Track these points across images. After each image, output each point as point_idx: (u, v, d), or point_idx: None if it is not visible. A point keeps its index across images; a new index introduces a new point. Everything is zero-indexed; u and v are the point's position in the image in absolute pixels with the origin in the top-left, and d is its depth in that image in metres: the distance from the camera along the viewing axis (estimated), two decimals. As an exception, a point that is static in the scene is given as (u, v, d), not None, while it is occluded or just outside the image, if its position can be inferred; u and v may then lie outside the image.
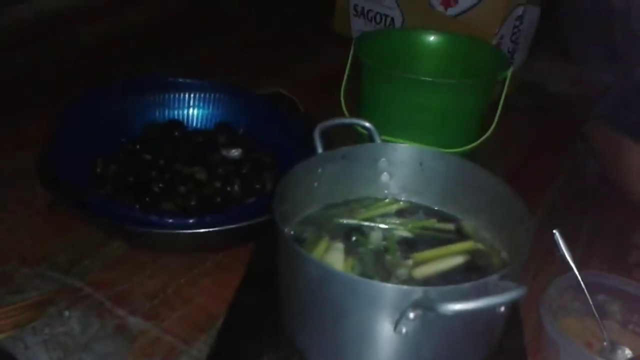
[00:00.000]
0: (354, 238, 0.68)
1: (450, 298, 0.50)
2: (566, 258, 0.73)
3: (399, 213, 0.73)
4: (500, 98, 0.96)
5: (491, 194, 0.68)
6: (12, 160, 1.01)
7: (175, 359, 0.69)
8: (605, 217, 0.98)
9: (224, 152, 0.94)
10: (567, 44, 1.42)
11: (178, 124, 1.00)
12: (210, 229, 0.78)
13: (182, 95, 1.00)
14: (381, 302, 0.53)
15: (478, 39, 1.04)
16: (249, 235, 0.83)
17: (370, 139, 0.74)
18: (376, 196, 0.75)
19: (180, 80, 1.01)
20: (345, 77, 0.98)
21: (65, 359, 0.69)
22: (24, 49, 1.40)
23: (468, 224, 0.72)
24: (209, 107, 1.01)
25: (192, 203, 0.87)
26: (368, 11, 1.39)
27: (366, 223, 0.71)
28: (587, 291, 0.71)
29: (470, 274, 0.65)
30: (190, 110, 1.01)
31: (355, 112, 0.99)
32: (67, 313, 0.74)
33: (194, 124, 1.01)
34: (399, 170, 0.73)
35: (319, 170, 0.70)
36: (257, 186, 0.91)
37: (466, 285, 0.52)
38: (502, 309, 0.55)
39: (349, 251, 0.66)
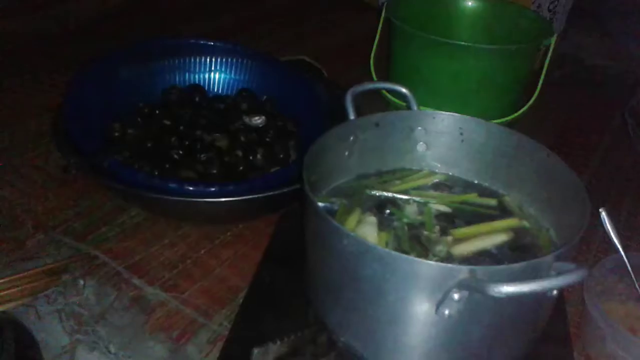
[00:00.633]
0: (387, 211, 0.63)
1: (500, 279, 0.44)
2: (612, 239, 0.68)
3: (436, 186, 0.68)
4: (540, 68, 0.89)
5: (539, 166, 0.62)
6: (26, 125, 0.97)
7: (194, 333, 0.65)
8: None
9: (247, 120, 0.89)
10: (606, 16, 1.34)
11: (199, 89, 0.96)
12: (233, 199, 0.73)
13: (203, 58, 0.95)
14: (422, 281, 0.48)
15: (518, 4, 0.97)
16: (273, 206, 0.78)
17: (407, 107, 0.68)
18: (411, 167, 0.70)
19: (202, 42, 0.95)
20: (376, 41, 0.92)
21: (79, 330, 0.65)
22: (46, 11, 1.35)
23: (512, 200, 0.66)
24: (231, 72, 0.96)
25: (214, 171, 0.82)
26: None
27: (401, 196, 0.65)
28: (633, 274, 0.66)
29: (515, 253, 0.59)
30: (212, 75, 0.96)
31: (387, 79, 0.92)
32: (82, 282, 0.70)
33: (216, 90, 0.97)
34: (436, 140, 0.68)
35: (351, 138, 0.64)
36: (281, 155, 0.86)
37: (518, 265, 0.47)
38: (555, 292, 0.49)
39: (382, 225, 0.61)
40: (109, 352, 0.62)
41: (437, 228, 0.61)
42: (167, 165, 0.82)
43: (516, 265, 0.47)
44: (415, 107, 0.67)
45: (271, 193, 0.73)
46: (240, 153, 0.84)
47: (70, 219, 0.79)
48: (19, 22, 1.30)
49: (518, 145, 0.64)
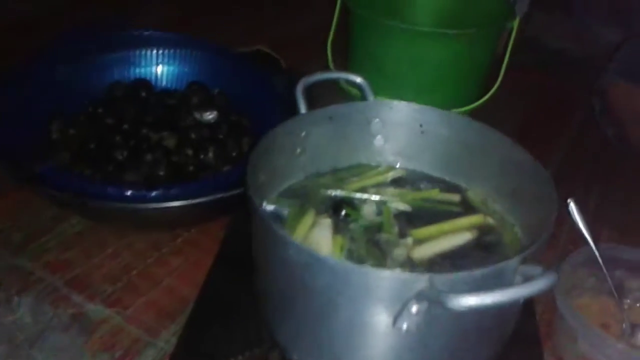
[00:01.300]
0: (343, 212, 0.58)
1: (461, 288, 0.40)
2: (582, 231, 0.64)
3: (396, 182, 0.63)
4: (503, 54, 0.85)
5: (502, 158, 0.58)
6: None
7: (139, 352, 0.60)
8: (614, 183, 0.90)
9: (197, 115, 0.83)
10: (570, -1, 1.31)
11: (145, 84, 0.88)
12: (180, 203, 0.67)
13: (149, 51, 0.88)
14: (378, 293, 0.43)
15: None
16: (225, 208, 0.73)
17: (362, 97, 0.63)
18: (369, 163, 0.65)
19: (147, 33, 0.88)
20: (333, 27, 0.86)
21: (12, 355, 0.58)
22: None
23: (475, 194, 0.61)
24: (180, 65, 0.88)
25: (160, 173, 0.75)
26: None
27: (358, 194, 0.60)
28: (605, 267, 0.63)
29: (480, 253, 0.55)
30: (159, 68, 0.89)
31: (344, 70, 0.87)
32: (16, 299, 0.64)
33: (164, 84, 0.89)
34: (395, 132, 0.63)
35: (302, 133, 0.59)
36: (234, 153, 0.80)
37: (480, 272, 0.42)
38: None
39: (338, 227, 0.56)
40: (45, 378, 0.56)
41: (396, 229, 0.57)
42: (111, 168, 0.76)
43: (478, 272, 0.42)
44: (371, 98, 0.62)
45: (220, 195, 0.67)
46: (189, 152, 0.78)
47: (6, 229, 0.73)
48: None
49: (481, 136, 0.59)
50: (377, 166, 0.65)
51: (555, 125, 1.04)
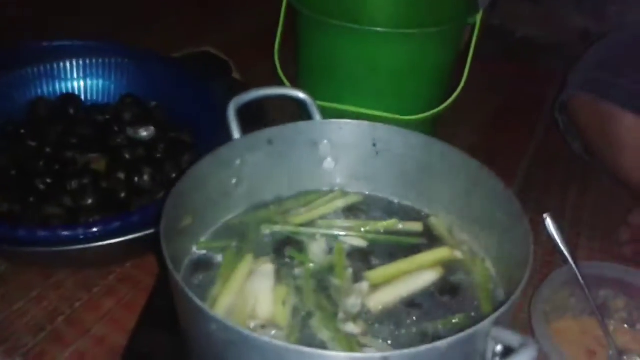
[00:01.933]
0: (287, 254, 0.48)
1: None
2: (560, 248, 0.59)
3: (349, 211, 0.54)
4: (467, 48, 0.76)
5: (468, 182, 0.51)
6: None
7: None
8: (590, 190, 0.84)
9: (131, 132, 0.75)
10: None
11: (73, 100, 0.80)
12: (110, 241, 0.58)
13: (74, 61, 0.78)
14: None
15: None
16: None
17: (307, 115, 0.54)
18: (319, 189, 0.56)
19: (69, 43, 0.78)
20: (279, 32, 0.77)
21: None
22: None
23: (439, 222, 0.53)
24: (110, 76, 0.80)
25: (88, 202, 0.66)
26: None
27: (305, 229, 0.51)
28: (586, 286, 0.59)
29: (446, 299, 0.46)
30: (88, 81, 0.80)
31: (296, 75, 0.78)
32: None
33: (95, 98, 0.81)
34: (346, 154, 0.55)
35: (237, 161, 0.50)
36: (174, 174, 0.71)
37: (445, 343, 0.34)
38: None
39: (280, 274, 0.47)
40: None
41: (350, 272, 0.48)
42: (32, 199, 0.66)
43: (443, 344, 0.34)
44: (317, 117, 0.53)
45: (153, 230, 0.58)
46: (122, 175, 0.69)
47: None
48: None
49: (442, 157, 0.51)
50: (328, 192, 0.56)
51: (524, 122, 0.98)
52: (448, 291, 0.47)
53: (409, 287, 0.47)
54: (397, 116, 0.72)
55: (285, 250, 0.49)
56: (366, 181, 0.56)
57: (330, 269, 0.48)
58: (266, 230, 0.51)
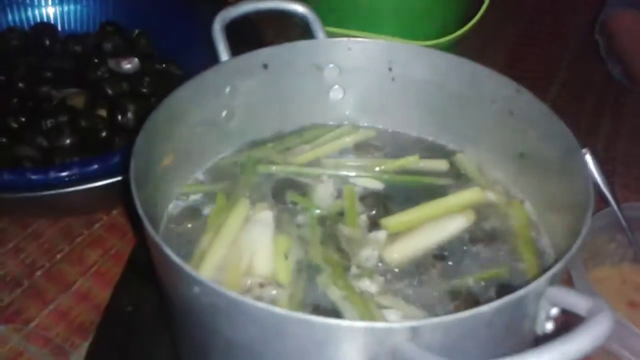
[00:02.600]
0: (288, 199, 0.41)
1: (460, 335, 0.24)
2: (602, 190, 0.53)
3: (361, 149, 0.47)
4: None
5: (503, 109, 0.42)
6: None
7: (44, 382, 0.48)
8: (624, 123, 0.75)
9: (112, 65, 0.68)
10: None
11: (49, 29, 0.73)
12: (90, 185, 0.51)
13: (46, -14, 0.69)
14: (329, 352, 0.26)
15: None
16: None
17: (310, 34, 0.45)
18: (324, 123, 0.49)
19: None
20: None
21: None
22: None
23: (467, 159, 0.45)
24: (88, 2, 0.73)
25: (65, 142, 0.59)
26: None
27: (309, 170, 0.43)
28: (629, 229, 0.53)
29: (479, 248, 0.38)
30: (63, 9, 0.73)
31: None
32: None
33: (70, 27, 0.74)
34: (356, 80, 0.47)
35: (227, 89, 0.42)
36: (161, 111, 0.62)
37: (490, 307, 0.26)
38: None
39: (281, 222, 0.40)
40: None
41: (364, 218, 0.40)
42: (3, 140, 0.60)
43: (488, 309, 0.26)
44: (321, 35, 0.44)
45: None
46: (103, 113, 0.62)
47: None
48: None
49: (472, 80, 0.43)
50: (336, 126, 0.48)
51: (550, 51, 0.88)
52: (480, 240, 0.39)
53: (433, 235, 0.39)
54: (412, 42, 0.63)
55: (286, 194, 0.42)
56: (380, 113, 0.48)
57: (339, 216, 0.41)
58: (264, 171, 0.43)
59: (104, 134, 0.60)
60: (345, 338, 0.26)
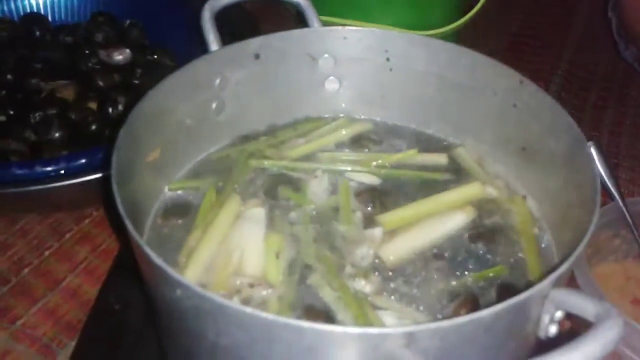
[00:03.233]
0: (281, 195, 0.39)
1: (459, 339, 0.22)
2: (605, 182, 0.52)
3: (357, 142, 0.45)
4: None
5: (505, 101, 0.40)
6: None
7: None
8: (628, 105, 0.74)
9: (104, 56, 0.67)
10: None
11: (39, 20, 0.72)
12: (79, 180, 0.50)
13: (36, -25, 0.67)
14: (320, 359, 0.25)
15: None
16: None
17: (304, 22, 0.43)
18: (319, 116, 0.47)
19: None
20: None
21: None
22: None
23: (467, 152, 0.44)
24: None
25: (54, 136, 0.58)
26: None
27: (302, 164, 0.42)
28: (634, 224, 0.52)
29: (479, 246, 0.37)
30: None
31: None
32: None
33: (61, 18, 0.72)
34: (353, 71, 0.45)
35: (216, 80, 0.40)
36: (153, 103, 0.60)
37: (490, 312, 0.24)
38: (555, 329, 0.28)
39: (273, 220, 0.38)
40: None
41: (359, 216, 0.38)
42: None
43: (488, 314, 0.24)
44: (315, 23, 0.42)
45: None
46: (93, 105, 0.61)
47: None
48: None
49: (473, 71, 0.41)
50: (332, 119, 0.47)
51: (555, 34, 0.86)
52: (481, 237, 0.37)
53: (432, 233, 0.38)
54: (411, 31, 0.61)
55: (278, 190, 0.40)
56: (377, 105, 0.47)
57: (334, 213, 0.39)
58: (256, 165, 0.42)
59: (94, 127, 0.59)
60: (337, 344, 0.25)
